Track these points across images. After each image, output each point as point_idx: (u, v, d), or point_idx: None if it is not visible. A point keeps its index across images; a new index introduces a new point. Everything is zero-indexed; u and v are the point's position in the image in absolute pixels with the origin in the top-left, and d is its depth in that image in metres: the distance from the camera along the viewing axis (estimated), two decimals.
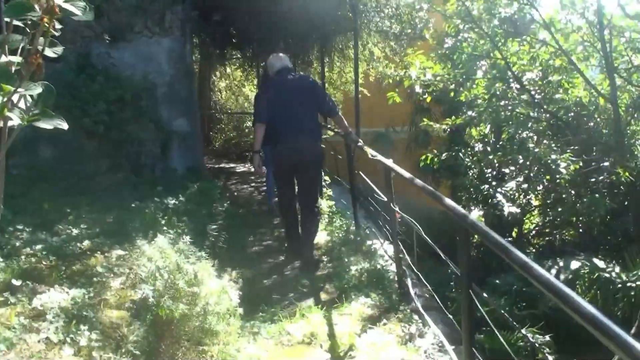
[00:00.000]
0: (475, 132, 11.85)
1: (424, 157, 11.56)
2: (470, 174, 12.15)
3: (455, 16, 10.58)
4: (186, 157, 7.19)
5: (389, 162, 4.89)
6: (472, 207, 15.48)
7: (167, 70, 7.02)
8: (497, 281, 9.24)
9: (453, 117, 11.34)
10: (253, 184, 10.90)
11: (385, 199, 5.11)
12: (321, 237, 6.68)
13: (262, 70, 10.76)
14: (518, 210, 10.83)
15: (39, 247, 4.00)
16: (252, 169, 12.50)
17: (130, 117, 6.36)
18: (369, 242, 6.29)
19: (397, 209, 4.91)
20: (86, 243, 4.19)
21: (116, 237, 4.33)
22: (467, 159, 11.79)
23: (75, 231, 4.57)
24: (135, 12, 6.63)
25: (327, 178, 8.98)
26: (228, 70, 16.50)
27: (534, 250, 12.54)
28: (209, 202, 6.17)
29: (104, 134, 6.13)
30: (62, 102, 5.97)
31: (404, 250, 4.96)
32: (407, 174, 4.22)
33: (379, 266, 5.40)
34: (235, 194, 9.99)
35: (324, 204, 7.88)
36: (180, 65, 7.13)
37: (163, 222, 4.91)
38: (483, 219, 13.32)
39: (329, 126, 8.37)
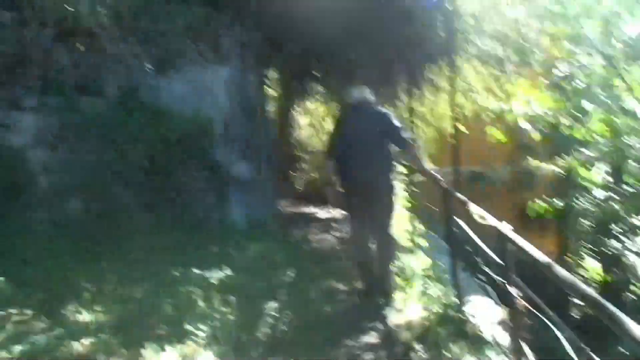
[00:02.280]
0: (586, 174, 10.13)
1: (536, 206, 9.93)
2: (585, 222, 10.49)
3: (567, 39, 9.04)
4: (249, 208, 5.99)
5: (507, 229, 3.50)
6: (584, 258, 13.66)
7: (225, 104, 5.85)
8: (622, 349, 7.37)
9: (567, 158, 9.73)
10: (337, 233, 9.66)
11: (501, 279, 3.73)
12: (414, 312, 5.38)
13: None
14: None
15: (18, 349, 2.89)
16: (336, 216, 11.40)
17: (178, 161, 5.27)
18: (473, 320, 4.93)
19: (516, 293, 3.51)
20: (85, 342, 3.03)
21: (129, 335, 3.15)
22: (585, 206, 10.07)
23: (86, 316, 3.48)
24: (186, 36, 5.54)
25: (421, 227, 7.69)
26: (310, 105, 15.51)
27: None
28: (272, 267, 4.99)
29: (145, 182, 5.05)
30: (96, 145, 4.99)
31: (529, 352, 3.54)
32: (543, 257, 2.80)
33: None
34: (314, 245, 8.73)
35: (418, 264, 6.61)
36: (241, 98, 5.97)
37: (203, 304, 3.74)
38: (600, 275, 11.52)
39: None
